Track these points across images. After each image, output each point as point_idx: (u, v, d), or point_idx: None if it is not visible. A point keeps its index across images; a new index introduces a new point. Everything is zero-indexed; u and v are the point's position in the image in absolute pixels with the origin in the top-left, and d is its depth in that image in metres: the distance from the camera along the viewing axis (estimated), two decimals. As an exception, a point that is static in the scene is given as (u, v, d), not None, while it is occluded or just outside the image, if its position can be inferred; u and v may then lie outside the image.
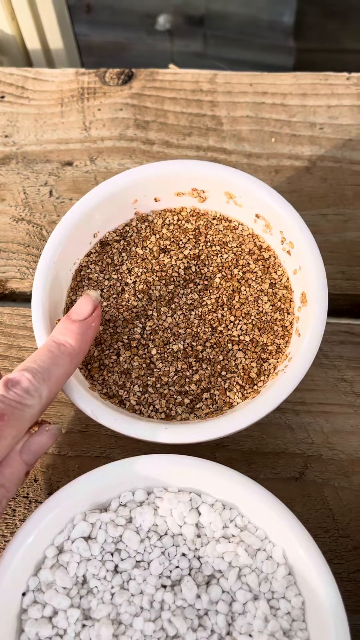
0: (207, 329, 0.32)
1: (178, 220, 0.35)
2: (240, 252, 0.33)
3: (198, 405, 0.30)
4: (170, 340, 0.31)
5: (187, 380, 0.31)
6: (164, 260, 0.33)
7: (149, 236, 0.34)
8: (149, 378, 0.31)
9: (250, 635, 0.26)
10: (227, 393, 0.30)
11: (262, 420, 0.28)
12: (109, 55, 0.83)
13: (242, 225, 0.34)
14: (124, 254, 0.34)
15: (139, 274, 0.33)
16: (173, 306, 0.32)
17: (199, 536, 0.28)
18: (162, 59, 0.82)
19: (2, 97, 0.48)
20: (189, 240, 0.34)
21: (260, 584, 0.27)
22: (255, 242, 0.34)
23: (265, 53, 0.81)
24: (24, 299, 0.41)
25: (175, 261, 0.33)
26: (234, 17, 0.81)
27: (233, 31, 0.81)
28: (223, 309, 0.32)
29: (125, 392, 0.31)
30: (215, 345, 0.31)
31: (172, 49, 0.83)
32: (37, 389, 0.26)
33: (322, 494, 0.34)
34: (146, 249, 0.34)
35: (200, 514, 0.28)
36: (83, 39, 0.72)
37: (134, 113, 0.47)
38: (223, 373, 0.31)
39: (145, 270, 0.33)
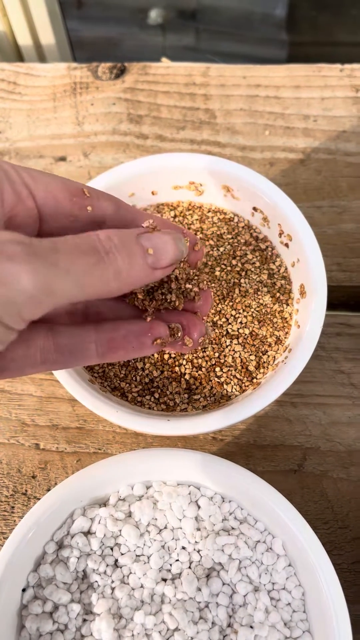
0: (207, 324, 0.31)
1: (175, 216, 0.34)
2: (236, 244, 0.33)
3: (195, 397, 0.30)
4: None
5: (184, 373, 0.31)
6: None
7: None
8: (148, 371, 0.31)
9: (251, 627, 0.26)
10: (225, 386, 0.30)
11: (259, 413, 0.28)
12: (100, 50, 0.82)
13: (237, 216, 0.34)
14: None
15: None
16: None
17: (198, 529, 0.28)
18: (155, 54, 0.81)
19: (-6, 92, 0.48)
20: (185, 234, 0.34)
21: (261, 576, 0.27)
22: (251, 234, 0.34)
23: (258, 46, 0.81)
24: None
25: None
26: (226, 11, 0.81)
27: (225, 25, 0.81)
28: (224, 303, 0.32)
29: (127, 385, 0.31)
30: (213, 341, 0.31)
31: (164, 43, 0.83)
32: None
33: (320, 485, 0.34)
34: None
35: (199, 507, 0.28)
36: (74, 34, 0.72)
37: (127, 107, 0.47)
38: (217, 369, 0.31)
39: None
